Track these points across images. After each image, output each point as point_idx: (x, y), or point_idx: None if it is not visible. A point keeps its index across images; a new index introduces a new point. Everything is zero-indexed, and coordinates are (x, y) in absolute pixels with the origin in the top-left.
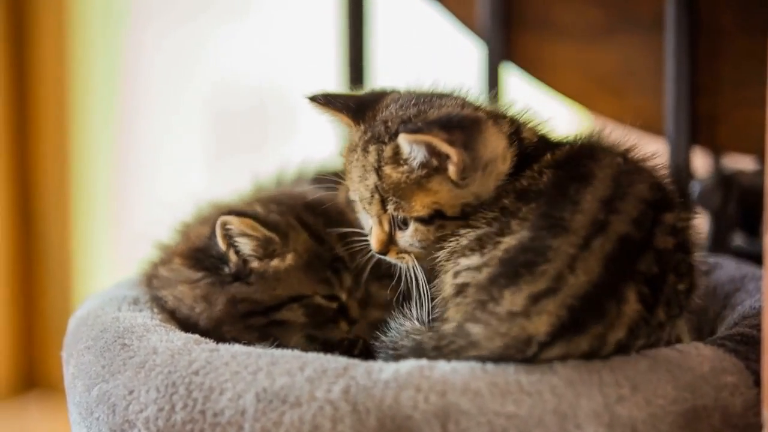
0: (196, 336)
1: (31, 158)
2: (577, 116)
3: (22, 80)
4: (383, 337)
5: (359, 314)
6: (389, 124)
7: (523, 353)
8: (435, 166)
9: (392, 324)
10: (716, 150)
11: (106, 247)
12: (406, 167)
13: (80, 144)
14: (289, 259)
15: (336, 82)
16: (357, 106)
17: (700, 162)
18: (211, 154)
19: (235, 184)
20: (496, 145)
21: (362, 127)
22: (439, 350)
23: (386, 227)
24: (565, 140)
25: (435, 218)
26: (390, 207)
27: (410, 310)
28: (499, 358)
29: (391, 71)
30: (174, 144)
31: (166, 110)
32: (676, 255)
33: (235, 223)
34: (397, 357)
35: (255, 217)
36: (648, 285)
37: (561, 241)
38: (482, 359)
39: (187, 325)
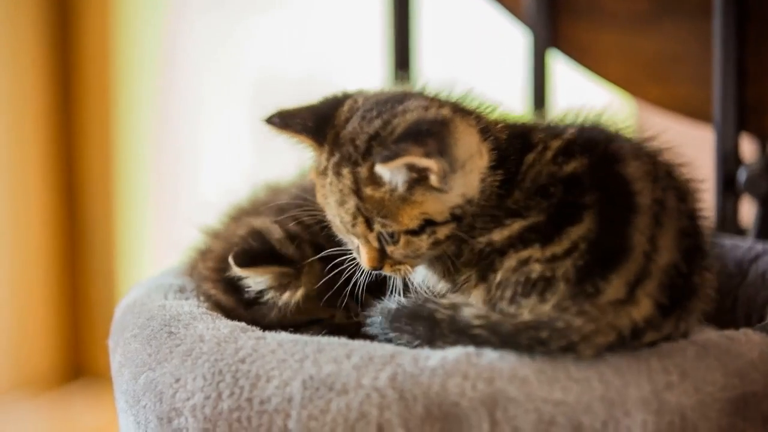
0: (243, 324)
1: (75, 148)
2: (621, 103)
3: (66, 70)
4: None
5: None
6: (357, 142)
7: (624, 342)
8: (416, 178)
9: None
10: (764, 137)
11: (150, 236)
12: (387, 186)
13: (124, 134)
14: (300, 293)
15: (381, 71)
16: (316, 125)
17: (748, 148)
18: (254, 143)
19: (278, 173)
20: (469, 142)
21: (327, 149)
22: (515, 337)
23: (375, 244)
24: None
25: (425, 227)
26: (377, 226)
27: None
28: (598, 350)
29: (436, 60)
30: (217, 133)
31: (209, 100)
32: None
33: (238, 273)
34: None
35: (264, 258)
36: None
37: (638, 221)
38: (576, 352)
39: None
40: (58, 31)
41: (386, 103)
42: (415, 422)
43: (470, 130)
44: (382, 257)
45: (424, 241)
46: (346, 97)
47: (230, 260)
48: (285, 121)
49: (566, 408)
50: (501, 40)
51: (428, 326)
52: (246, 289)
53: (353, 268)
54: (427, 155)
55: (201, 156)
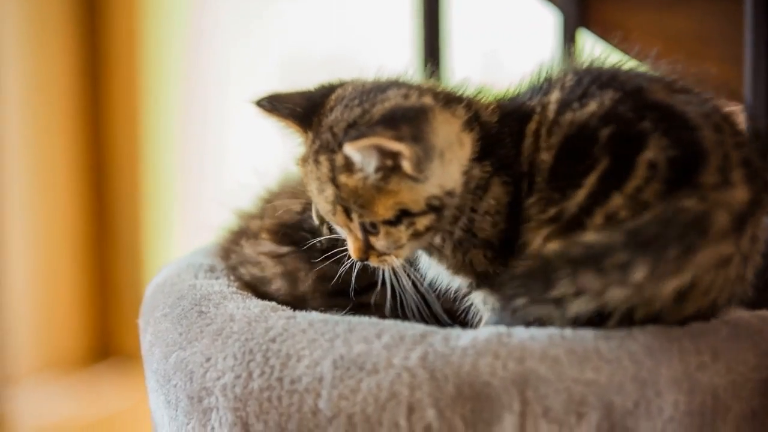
0: (273, 303)
1: (102, 131)
2: None
3: (94, 54)
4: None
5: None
6: (335, 130)
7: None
8: (390, 166)
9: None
10: None
11: (176, 217)
12: (361, 173)
13: (151, 116)
14: None
15: (409, 50)
16: (304, 111)
17: None
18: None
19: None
20: (448, 131)
21: (311, 136)
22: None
23: (359, 234)
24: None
25: (402, 218)
26: (354, 215)
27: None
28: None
29: (466, 39)
30: (243, 115)
31: (235, 81)
32: None
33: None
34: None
35: None
36: None
37: (703, 133)
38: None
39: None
40: (87, 16)
41: (370, 92)
42: (446, 402)
43: (451, 120)
44: (366, 248)
45: (402, 232)
46: (338, 85)
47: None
48: (273, 104)
49: (597, 388)
50: (531, 19)
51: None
52: (320, 241)
53: None
54: (398, 139)
55: (227, 137)
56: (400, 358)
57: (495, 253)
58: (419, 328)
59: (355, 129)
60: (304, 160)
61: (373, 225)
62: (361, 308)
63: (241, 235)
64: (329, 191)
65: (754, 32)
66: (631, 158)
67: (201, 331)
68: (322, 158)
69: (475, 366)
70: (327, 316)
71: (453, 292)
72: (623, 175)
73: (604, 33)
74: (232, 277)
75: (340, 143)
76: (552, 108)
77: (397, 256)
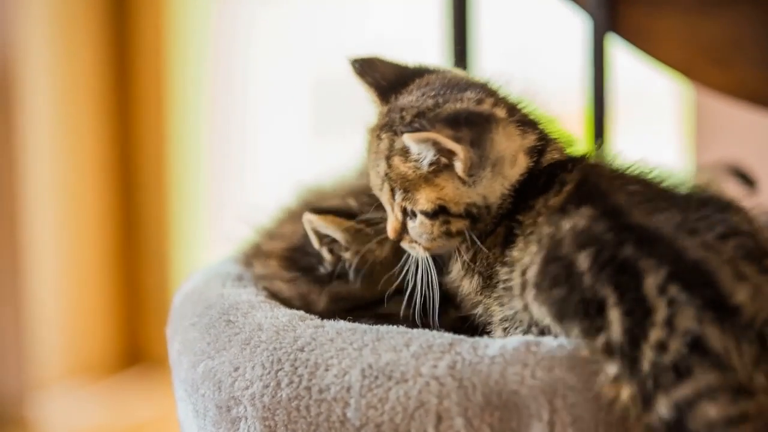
0: (301, 312)
1: (130, 138)
2: (681, 88)
3: (122, 64)
4: None
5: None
6: (404, 114)
7: None
8: (444, 163)
9: None
10: None
11: (203, 224)
12: (414, 162)
13: (178, 124)
14: (387, 249)
15: (439, 57)
16: (388, 84)
17: None
18: (312, 132)
19: (337, 162)
20: (505, 146)
21: (384, 110)
22: None
23: (399, 215)
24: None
25: (439, 214)
26: (398, 197)
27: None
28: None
29: (495, 45)
30: (274, 123)
31: (266, 88)
32: None
33: (316, 222)
34: None
35: (338, 212)
36: None
37: None
38: None
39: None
40: (115, 27)
41: (450, 88)
42: (474, 411)
43: (513, 138)
44: (402, 230)
45: (436, 227)
46: (434, 71)
47: (307, 215)
48: (364, 69)
49: None
50: (559, 25)
51: None
52: (324, 261)
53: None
54: (457, 140)
55: (254, 144)
56: (429, 366)
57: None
58: (447, 337)
59: (421, 120)
60: (371, 131)
61: (413, 212)
62: (381, 318)
63: (256, 251)
64: (382, 167)
65: None
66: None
67: (229, 340)
68: (385, 135)
69: (504, 375)
70: (355, 325)
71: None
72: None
73: (633, 38)
74: (260, 286)
75: (405, 126)
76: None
77: (426, 248)
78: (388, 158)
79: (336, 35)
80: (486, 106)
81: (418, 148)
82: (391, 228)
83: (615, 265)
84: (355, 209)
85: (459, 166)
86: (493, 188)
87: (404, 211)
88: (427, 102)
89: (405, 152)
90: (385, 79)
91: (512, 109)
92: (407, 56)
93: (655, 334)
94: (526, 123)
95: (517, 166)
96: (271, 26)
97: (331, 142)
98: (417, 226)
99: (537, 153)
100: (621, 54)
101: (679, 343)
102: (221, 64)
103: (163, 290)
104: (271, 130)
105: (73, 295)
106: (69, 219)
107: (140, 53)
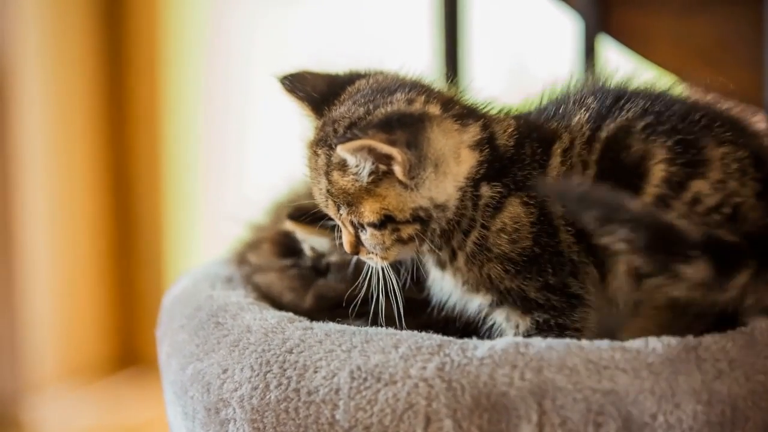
0: (290, 314)
1: (124, 140)
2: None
3: (115, 62)
4: None
5: None
6: (337, 126)
7: None
8: (383, 170)
9: None
10: None
11: (198, 226)
12: (353, 175)
13: (172, 126)
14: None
15: (430, 59)
16: (321, 97)
17: None
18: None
19: None
20: (443, 143)
21: (319, 124)
22: None
23: (350, 229)
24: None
25: (386, 223)
26: (343, 212)
27: None
28: None
29: (486, 45)
30: (264, 124)
31: (256, 90)
32: None
33: (294, 230)
34: None
35: (316, 217)
36: None
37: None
38: None
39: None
40: (109, 29)
41: (379, 92)
42: (463, 412)
43: (452, 134)
44: (357, 242)
45: (386, 237)
46: (363, 75)
47: (287, 221)
48: (294, 85)
49: (615, 398)
50: (551, 25)
51: None
52: (304, 257)
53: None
54: (391, 143)
55: (247, 146)
56: (417, 368)
57: (519, 269)
58: (436, 338)
59: (353, 130)
60: (308, 147)
61: (361, 224)
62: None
63: (250, 245)
64: (323, 183)
65: None
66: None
67: (218, 342)
68: (321, 151)
69: (493, 376)
70: (344, 326)
71: (469, 313)
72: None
73: (624, 39)
74: (249, 288)
75: (337, 142)
76: (583, 128)
77: (383, 258)
78: (327, 174)
79: (331, 35)
80: (417, 105)
81: (355, 158)
82: (346, 242)
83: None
84: None
85: (398, 170)
86: (440, 189)
87: (353, 225)
88: (359, 111)
89: (343, 166)
90: (317, 91)
91: (448, 103)
92: (399, 54)
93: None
94: (466, 116)
95: (464, 163)
96: (265, 26)
97: None
98: (368, 237)
99: (487, 143)
100: (612, 54)
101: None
102: (215, 65)
103: (157, 292)
104: (266, 131)
105: (67, 298)
106: (63, 221)
107: (134, 56)
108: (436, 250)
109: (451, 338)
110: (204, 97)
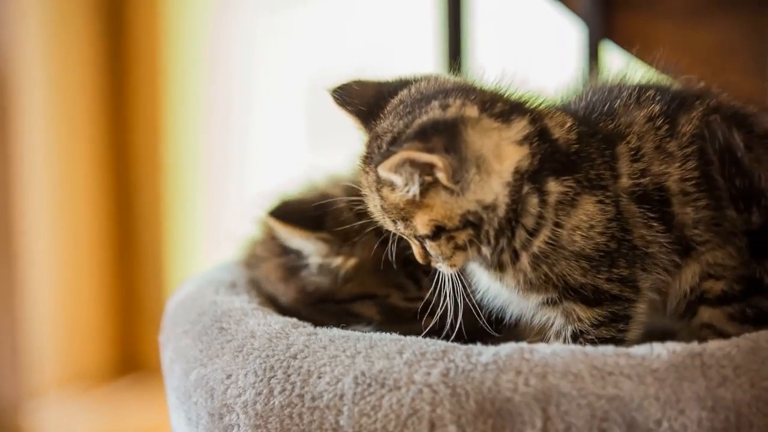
0: (294, 320)
1: (125, 144)
2: None
3: (117, 66)
4: None
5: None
6: (380, 143)
7: None
8: (428, 182)
9: None
10: None
11: (199, 231)
12: (401, 191)
13: (174, 130)
14: (352, 263)
15: (434, 66)
16: (368, 109)
17: None
18: (307, 137)
19: (329, 167)
20: (482, 144)
21: (367, 140)
22: None
23: (415, 241)
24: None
25: (440, 233)
26: (400, 227)
27: None
28: None
29: (490, 52)
30: (266, 128)
31: (258, 94)
32: None
33: (273, 225)
34: None
35: (303, 220)
36: None
37: None
38: None
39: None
40: (109, 28)
41: (420, 101)
42: (468, 418)
43: (489, 132)
44: (426, 253)
45: (443, 246)
46: (409, 82)
47: (267, 216)
48: (344, 98)
49: (619, 404)
50: (554, 31)
51: None
52: (290, 252)
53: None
54: (429, 150)
55: (250, 150)
56: (422, 374)
57: (594, 264)
58: (440, 344)
59: (392, 147)
60: (360, 164)
61: (418, 237)
62: (350, 315)
63: (259, 242)
64: (377, 200)
65: None
66: None
67: (222, 347)
68: (369, 169)
69: (497, 382)
70: (349, 332)
71: (510, 312)
72: None
73: (627, 45)
74: (253, 293)
75: (380, 161)
76: (654, 123)
77: (450, 265)
78: (378, 191)
79: (331, 39)
80: (453, 110)
81: (400, 174)
82: (416, 254)
83: None
84: (331, 217)
85: (442, 176)
86: (486, 189)
87: (415, 237)
88: (399, 124)
89: (391, 183)
90: (364, 104)
91: (488, 102)
92: (402, 62)
93: None
94: (507, 112)
95: (507, 159)
96: (266, 31)
97: (326, 146)
98: (429, 248)
99: (538, 137)
100: (616, 60)
101: None
102: (216, 67)
103: (159, 298)
104: (268, 137)
105: (68, 303)
106: (64, 228)
107: (136, 61)
108: (497, 253)
109: (455, 344)
110: (206, 102)
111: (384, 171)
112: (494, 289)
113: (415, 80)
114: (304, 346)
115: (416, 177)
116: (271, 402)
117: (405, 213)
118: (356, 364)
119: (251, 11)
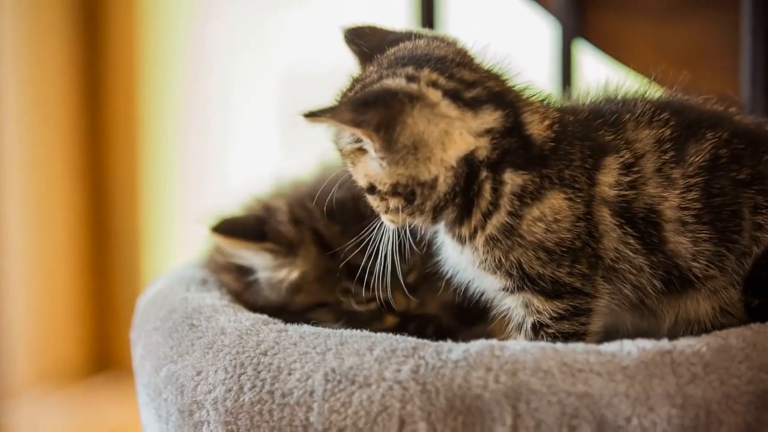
0: (265, 316)
1: (101, 141)
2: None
3: (93, 63)
4: None
5: (406, 302)
6: (356, 87)
7: None
8: (361, 145)
9: None
10: None
11: (175, 229)
12: (345, 139)
13: (150, 128)
14: (296, 274)
15: None
16: (370, 52)
17: None
18: (281, 137)
19: (304, 166)
20: (423, 129)
21: (350, 81)
22: None
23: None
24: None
25: (373, 190)
26: (350, 169)
27: None
28: None
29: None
30: (244, 127)
31: (236, 93)
32: None
33: (218, 241)
34: None
35: (248, 233)
36: None
37: None
38: None
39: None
40: (86, 25)
41: (399, 62)
42: (438, 415)
43: (439, 119)
44: None
45: (377, 203)
46: (415, 37)
47: (212, 232)
48: (352, 38)
49: (589, 401)
50: (527, 29)
51: None
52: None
53: (359, 255)
54: (356, 124)
55: (227, 149)
56: (392, 371)
57: (554, 257)
58: (411, 341)
59: (342, 101)
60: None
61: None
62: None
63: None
64: (342, 141)
65: (751, 44)
66: None
67: (192, 344)
68: None
69: (467, 379)
70: (319, 329)
71: (477, 292)
72: None
73: (601, 44)
74: (224, 290)
75: (306, 114)
76: (660, 146)
77: (389, 220)
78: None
79: (311, 39)
80: (414, 86)
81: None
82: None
83: None
84: (271, 226)
85: (369, 148)
86: (421, 169)
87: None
88: (373, 76)
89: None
90: (368, 46)
91: (466, 85)
92: None
93: None
94: (483, 101)
95: (453, 148)
96: (247, 31)
97: (300, 148)
98: (369, 200)
99: (504, 132)
100: (589, 60)
101: None
102: (195, 69)
103: (133, 296)
104: (247, 137)
105: (41, 302)
106: (38, 226)
107: (112, 61)
108: (450, 225)
109: (426, 341)
110: (183, 102)
111: (310, 123)
112: (454, 260)
113: (416, 36)
114: (274, 343)
115: (349, 137)
116: (241, 399)
117: (350, 159)
118: (326, 360)
119: (231, 10)
